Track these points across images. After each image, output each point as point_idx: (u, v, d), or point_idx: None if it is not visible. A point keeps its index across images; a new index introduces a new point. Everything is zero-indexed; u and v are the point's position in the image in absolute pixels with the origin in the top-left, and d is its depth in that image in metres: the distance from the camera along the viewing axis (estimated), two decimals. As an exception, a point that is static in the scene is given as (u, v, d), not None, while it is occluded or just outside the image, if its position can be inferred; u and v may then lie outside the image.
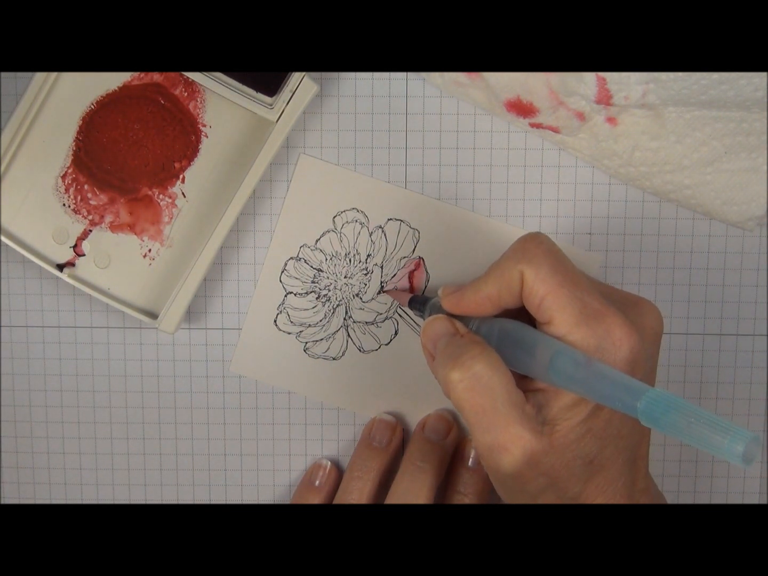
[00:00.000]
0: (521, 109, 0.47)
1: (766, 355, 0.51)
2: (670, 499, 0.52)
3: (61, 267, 0.48)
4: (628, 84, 0.44)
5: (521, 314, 0.40)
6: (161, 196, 0.48)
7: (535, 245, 0.40)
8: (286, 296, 0.51)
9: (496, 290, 0.40)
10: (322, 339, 0.51)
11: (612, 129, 0.47)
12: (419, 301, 0.47)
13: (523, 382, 0.39)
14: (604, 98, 0.45)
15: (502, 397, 0.38)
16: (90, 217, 0.48)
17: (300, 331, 0.51)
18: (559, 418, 0.38)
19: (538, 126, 0.48)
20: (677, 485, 0.52)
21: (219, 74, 0.46)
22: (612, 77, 0.44)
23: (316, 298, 0.51)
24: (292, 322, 0.51)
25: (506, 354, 0.39)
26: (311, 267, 0.50)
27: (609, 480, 0.39)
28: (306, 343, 0.51)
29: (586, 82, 0.44)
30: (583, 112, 0.46)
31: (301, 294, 0.51)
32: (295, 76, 0.46)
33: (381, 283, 0.50)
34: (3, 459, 0.53)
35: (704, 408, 0.32)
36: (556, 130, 0.48)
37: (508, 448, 0.38)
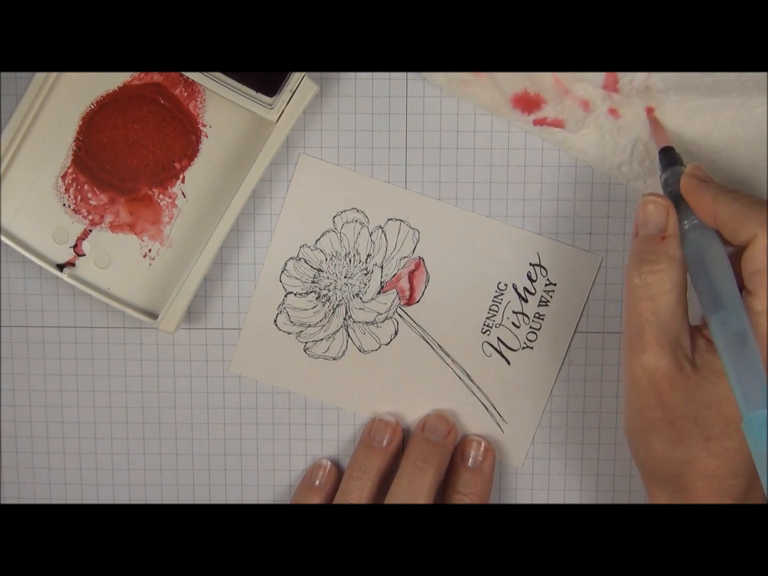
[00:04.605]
0: (528, 102, 0.47)
1: (766, 355, 0.51)
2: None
3: (61, 267, 0.48)
4: None
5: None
6: (161, 196, 0.48)
7: None
8: (286, 296, 0.51)
9: (727, 217, 0.39)
10: (322, 339, 0.51)
11: (615, 121, 0.47)
12: (669, 158, 0.44)
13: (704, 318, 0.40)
14: (611, 83, 0.45)
15: (660, 317, 0.39)
16: (90, 217, 0.48)
17: (300, 331, 0.51)
18: (707, 376, 0.39)
19: (542, 122, 0.48)
20: (677, 485, 0.52)
21: (219, 74, 0.46)
22: None
23: (316, 298, 0.51)
24: (292, 322, 0.51)
25: (695, 272, 0.39)
26: (311, 267, 0.50)
27: (721, 475, 0.39)
28: (306, 343, 0.51)
29: None
30: (588, 99, 0.46)
31: (301, 294, 0.51)
32: (295, 76, 0.46)
33: (381, 282, 0.50)
34: (3, 459, 0.53)
35: None
36: (560, 125, 0.48)
37: (642, 359, 0.39)
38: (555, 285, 0.50)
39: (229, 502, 0.53)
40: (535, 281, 0.50)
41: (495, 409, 0.51)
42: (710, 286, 0.38)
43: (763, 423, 0.32)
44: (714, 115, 0.46)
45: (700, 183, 0.41)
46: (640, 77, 0.45)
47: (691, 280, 0.39)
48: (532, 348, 0.51)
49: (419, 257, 0.50)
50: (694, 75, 0.44)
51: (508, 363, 0.51)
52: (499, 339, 0.50)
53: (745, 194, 0.40)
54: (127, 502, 0.53)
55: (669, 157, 0.45)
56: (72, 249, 0.49)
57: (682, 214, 0.42)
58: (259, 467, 0.52)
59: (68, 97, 0.47)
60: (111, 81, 0.47)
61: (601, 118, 0.47)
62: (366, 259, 0.50)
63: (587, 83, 0.45)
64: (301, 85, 0.46)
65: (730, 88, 0.45)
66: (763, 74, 0.43)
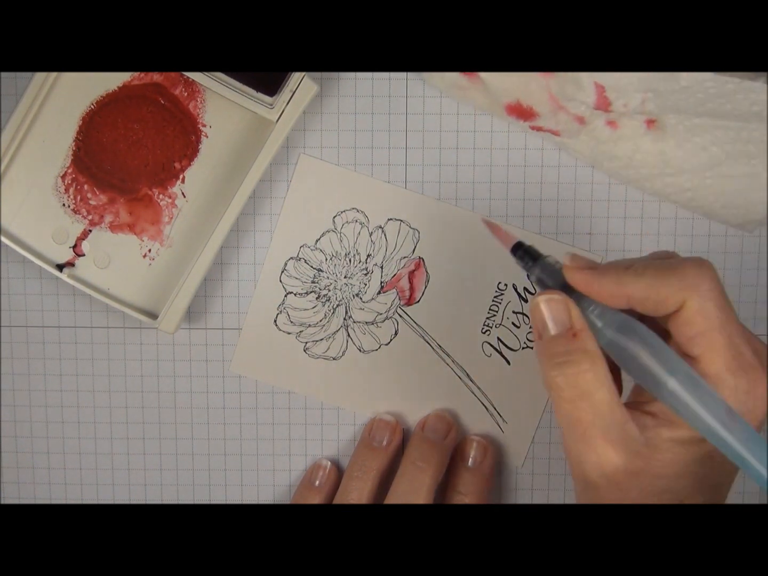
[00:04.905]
0: (521, 112, 0.47)
1: (766, 355, 0.51)
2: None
3: (61, 267, 0.48)
4: (626, 92, 0.44)
5: (634, 312, 0.38)
6: (161, 196, 0.48)
7: (709, 278, 0.37)
8: (286, 296, 0.51)
9: (643, 296, 0.37)
10: (322, 339, 0.51)
11: (613, 132, 0.47)
12: (529, 254, 0.40)
13: (635, 395, 0.38)
14: (603, 105, 0.45)
15: (602, 415, 0.36)
16: (90, 217, 0.48)
17: (300, 331, 0.51)
18: (664, 449, 0.37)
19: (539, 129, 0.48)
20: (677, 485, 0.52)
21: (219, 74, 0.46)
22: (610, 85, 0.44)
23: (316, 298, 0.51)
24: (292, 322, 0.51)
25: (621, 354, 0.37)
26: (311, 267, 0.50)
27: None
28: (306, 343, 0.51)
29: (584, 89, 0.44)
30: (583, 116, 0.46)
31: (301, 294, 0.51)
32: (295, 76, 0.46)
33: (381, 282, 0.50)
34: (3, 459, 0.53)
35: None
36: (556, 133, 0.48)
37: (599, 463, 0.37)
38: (555, 285, 0.50)
39: (229, 502, 0.53)
40: (535, 281, 0.50)
41: (495, 409, 0.51)
42: (658, 362, 0.36)
43: None
44: (714, 132, 0.46)
45: (592, 272, 0.38)
46: (634, 101, 0.45)
47: (622, 366, 0.37)
48: (532, 348, 0.50)
49: (419, 257, 0.50)
50: (689, 105, 0.44)
51: (508, 363, 0.51)
52: (499, 339, 0.50)
53: (644, 263, 0.38)
54: (127, 502, 0.53)
55: (528, 253, 0.40)
56: (72, 249, 0.49)
57: (577, 304, 0.38)
58: (259, 467, 0.52)
59: (68, 97, 0.47)
60: (111, 81, 0.47)
61: (598, 130, 0.47)
62: (366, 259, 0.50)
63: (580, 102, 0.45)
64: (301, 85, 0.46)
65: (729, 117, 0.45)
66: (758, 108, 0.44)
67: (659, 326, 0.38)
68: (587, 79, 0.44)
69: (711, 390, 0.35)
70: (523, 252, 0.40)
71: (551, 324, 0.38)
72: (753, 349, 0.37)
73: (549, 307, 0.38)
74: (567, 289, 0.38)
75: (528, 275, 0.40)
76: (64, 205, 0.48)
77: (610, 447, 0.37)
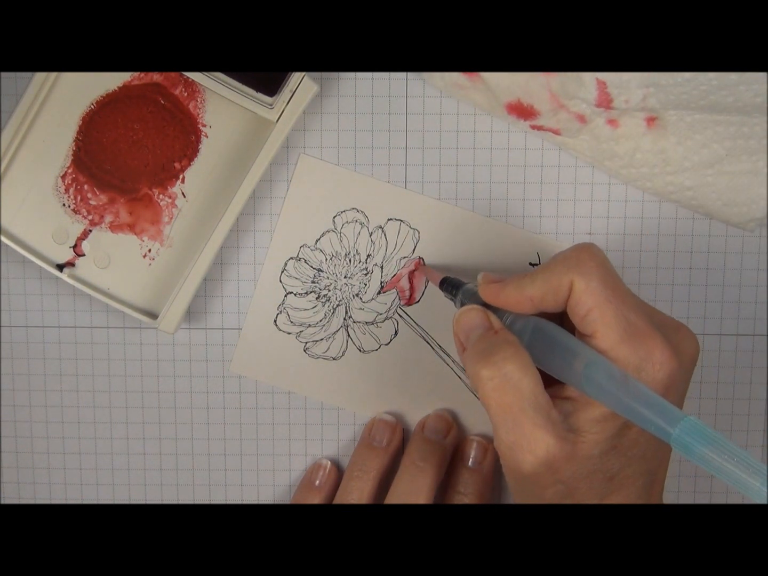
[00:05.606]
0: (522, 111, 0.47)
1: (766, 355, 0.51)
2: (670, 499, 0.52)
3: (61, 267, 0.48)
4: (628, 88, 0.44)
5: (553, 317, 0.41)
6: (161, 196, 0.48)
7: (589, 257, 0.39)
8: (286, 296, 0.51)
9: (540, 293, 0.40)
10: (322, 339, 0.51)
11: (613, 131, 0.47)
12: (452, 284, 0.46)
13: (552, 387, 0.39)
14: (605, 102, 0.45)
15: (529, 400, 0.38)
16: (90, 217, 0.48)
17: (300, 331, 0.51)
18: (585, 430, 0.38)
19: (539, 128, 0.48)
20: (677, 485, 0.52)
21: (219, 74, 0.46)
22: (612, 81, 0.44)
23: (316, 298, 0.51)
24: (292, 322, 0.51)
25: (537, 354, 0.39)
26: (311, 267, 0.50)
27: (626, 499, 0.39)
28: (306, 343, 0.51)
29: (586, 85, 0.44)
30: (584, 114, 0.46)
31: (301, 294, 0.51)
32: (295, 76, 0.46)
33: (381, 282, 0.50)
34: (3, 459, 0.53)
35: (736, 444, 0.32)
36: (556, 132, 0.48)
37: (531, 449, 0.38)
38: (555, 285, 0.50)
39: (229, 502, 0.53)
40: (535, 281, 0.50)
41: (495, 409, 0.51)
42: (562, 353, 0.38)
43: (696, 426, 0.32)
44: (714, 129, 0.46)
45: (497, 284, 0.41)
46: (635, 97, 0.45)
47: (539, 365, 0.39)
48: (532, 348, 0.50)
49: (419, 257, 0.50)
50: (691, 97, 0.44)
51: (508, 363, 0.51)
52: (499, 339, 0.50)
53: (538, 268, 0.41)
54: (127, 502, 0.53)
55: (452, 283, 0.46)
56: (72, 249, 0.49)
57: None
58: (259, 467, 0.52)
59: (68, 97, 0.47)
60: (111, 81, 0.47)
61: (598, 128, 0.47)
62: (366, 259, 0.50)
63: (580, 100, 0.45)
64: (301, 85, 0.46)
65: (730, 110, 0.45)
66: (761, 99, 0.44)
67: (572, 325, 0.40)
68: (589, 75, 0.44)
69: (609, 364, 0.37)
70: (448, 284, 0.46)
71: (474, 329, 0.41)
72: (648, 318, 0.39)
73: (470, 317, 0.41)
74: (484, 306, 0.42)
75: (455, 303, 0.45)
76: (64, 205, 0.48)
77: (540, 431, 0.38)
